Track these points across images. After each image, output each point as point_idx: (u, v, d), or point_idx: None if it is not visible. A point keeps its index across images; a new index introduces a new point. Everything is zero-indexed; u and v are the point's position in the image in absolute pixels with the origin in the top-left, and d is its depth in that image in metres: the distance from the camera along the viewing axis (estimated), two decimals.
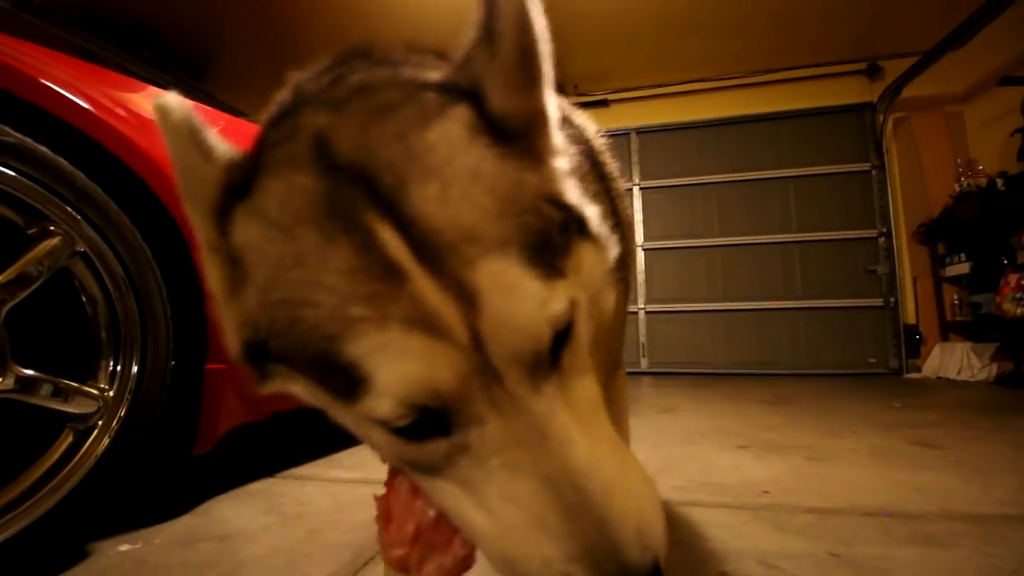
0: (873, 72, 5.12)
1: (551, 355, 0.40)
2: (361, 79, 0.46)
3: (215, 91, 5.39)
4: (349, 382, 0.38)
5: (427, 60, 0.51)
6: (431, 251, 0.36)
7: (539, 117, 0.46)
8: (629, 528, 0.37)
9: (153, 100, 0.44)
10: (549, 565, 0.37)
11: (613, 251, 0.49)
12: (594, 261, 0.46)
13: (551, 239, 0.41)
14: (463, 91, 0.44)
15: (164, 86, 1.49)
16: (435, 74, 0.46)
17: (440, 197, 0.38)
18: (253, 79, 5.43)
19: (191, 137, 0.44)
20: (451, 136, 0.41)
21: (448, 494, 0.42)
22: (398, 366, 0.37)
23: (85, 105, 1.14)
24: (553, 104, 0.47)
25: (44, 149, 1.03)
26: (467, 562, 0.47)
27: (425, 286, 0.36)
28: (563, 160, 0.47)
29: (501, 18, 0.42)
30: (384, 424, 0.39)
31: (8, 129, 0.98)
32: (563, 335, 0.40)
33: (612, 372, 0.80)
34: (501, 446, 0.39)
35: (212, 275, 0.47)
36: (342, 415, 0.43)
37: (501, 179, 0.40)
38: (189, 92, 1.48)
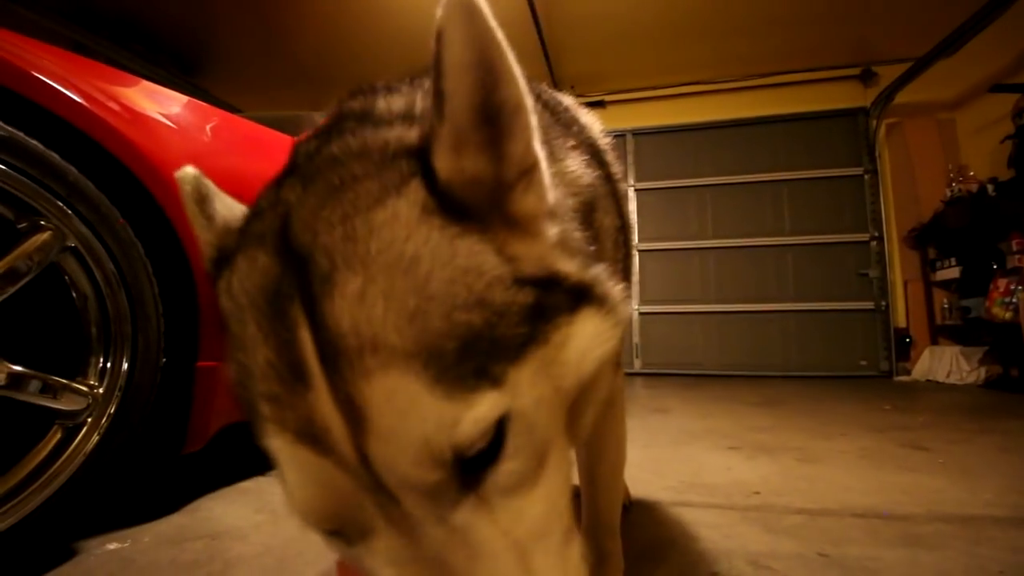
0: (867, 77, 5.17)
1: (465, 476, 0.35)
2: (337, 148, 0.43)
3: (208, 86, 5.35)
4: None
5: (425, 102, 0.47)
6: (333, 358, 0.34)
7: (511, 180, 0.40)
8: None
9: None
10: None
11: (625, 311, 0.44)
12: (593, 334, 0.41)
13: (494, 340, 0.35)
14: (423, 160, 0.39)
15: (157, 80, 1.48)
16: (415, 134, 0.42)
17: (358, 295, 0.34)
18: (246, 74, 5.40)
19: (199, 204, 0.47)
20: (399, 217, 0.37)
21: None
22: (291, 478, 0.36)
23: (77, 99, 1.13)
24: (538, 156, 0.41)
25: (35, 143, 1.02)
26: None
27: (320, 397, 0.34)
28: (555, 222, 0.42)
29: (447, 72, 0.36)
30: None
31: None
32: (489, 453, 0.35)
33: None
34: (399, 561, 0.36)
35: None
36: None
37: (442, 270, 0.36)
38: (181, 87, 1.47)
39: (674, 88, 5.52)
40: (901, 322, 4.99)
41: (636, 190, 5.62)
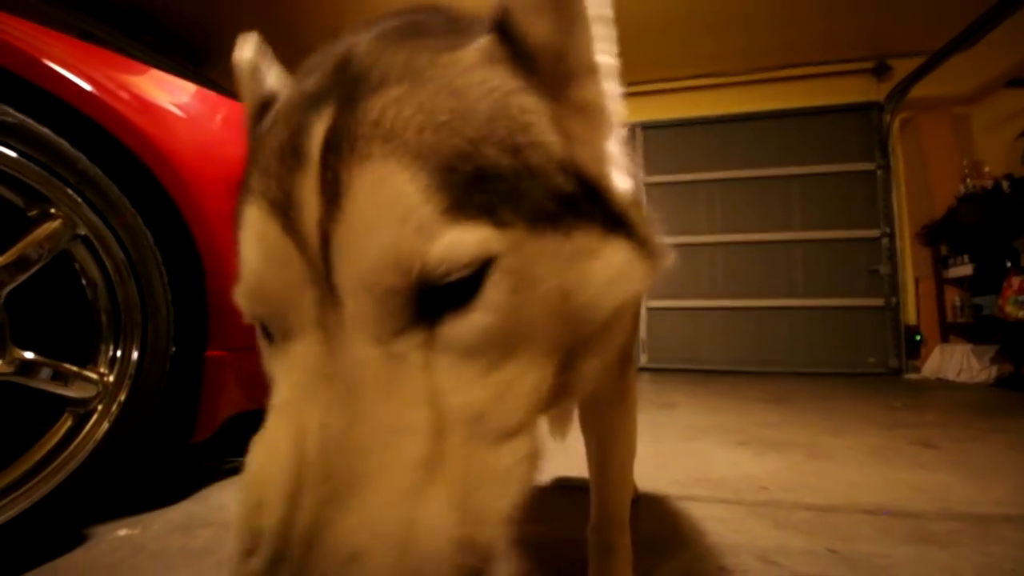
0: (881, 71, 5.09)
1: (424, 307, 0.31)
2: (417, 18, 0.45)
3: (216, 77, 5.35)
4: None
5: None
6: (338, 141, 0.32)
7: (578, 64, 0.41)
8: (331, 559, 0.24)
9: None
10: (238, 527, 0.29)
11: (663, 262, 0.43)
12: (621, 268, 0.39)
13: (518, 190, 0.33)
14: (495, 21, 0.40)
15: (166, 69, 1.48)
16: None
17: (396, 97, 0.33)
18: None
19: (251, 73, 0.50)
20: (464, 60, 0.37)
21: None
22: (248, 253, 0.34)
23: (87, 87, 1.13)
24: (597, 63, 0.42)
25: (45, 130, 1.02)
26: None
27: (308, 173, 0.32)
28: (611, 138, 0.42)
29: None
30: None
31: (9, 109, 0.97)
32: (459, 294, 0.31)
33: (621, 369, 0.78)
34: (306, 370, 0.31)
35: None
36: None
37: (489, 107, 0.35)
38: (190, 77, 1.47)
39: (684, 81, 5.46)
40: (911, 319, 4.94)
41: (644, 184, 5.57)
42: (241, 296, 0.36)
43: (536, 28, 0.40)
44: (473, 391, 0.31)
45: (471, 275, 0.31)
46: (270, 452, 0.29)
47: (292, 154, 0.33)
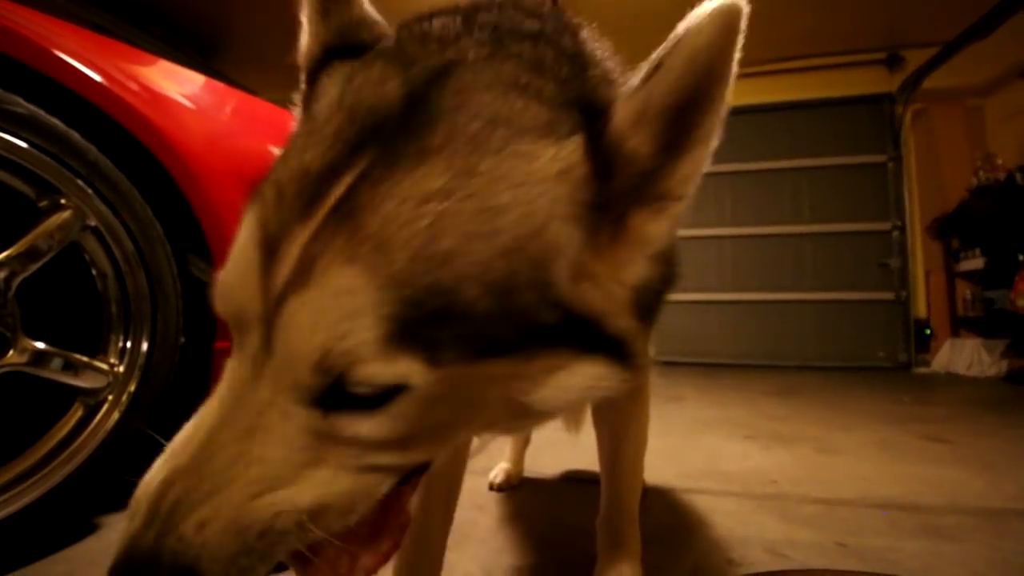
0: (893, 62, 5.02)
1: (330, 394, 0.34)
2: (528, 42, 0.42)
3: (225, 69, 5.36)
4: None
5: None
6: (344, 217, 0.33)
7: (662, 192, 0.38)
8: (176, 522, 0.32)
9: None
10: (134, 497, 0.36)
11: (642, 376, 0.44)
12: (587, 379, 0.38)
13: (475, 332, 0.33)
14: (593, 119, 0.37)
15: (177, 61, 1.47)
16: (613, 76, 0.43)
17: (425, 195, 0.33)
18: (263, 57, 5.38)
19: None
20: (531, 158, 0.35)
21: None
22: (232, 255, 0.37)
23: (97, 78, 1.13)
24: (689, 195, 0.39)
25: (56, 121, 1.02)
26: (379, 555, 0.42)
27: (306, 228, 0.34)
28: (651, 263, 0.40)
29: (679, 51, 0.35)
30: None
31: (19, 99, 0.97)
32: (368, 398, 0.34)
33: None
34: (228, 389, 0.36)
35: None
36: None
37: (512, 238, 0.33)
38: (199, 69, 1.47)
39: None
40: (921, 313, 4.90)
41: None
42: (215, 286, 0.38)
43: (637, 144, 0.37)
44: (332, 487, 0.35)
45: (384, 393, 0.34)
46: (174, 445, 0.36)
47: (306, 195, 0.35)
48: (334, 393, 0.34)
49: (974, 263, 4.47)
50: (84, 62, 1.11)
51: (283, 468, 0.34)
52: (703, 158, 0.38)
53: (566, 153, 0.36)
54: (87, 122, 1.10)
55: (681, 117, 0.36)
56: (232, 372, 0.36)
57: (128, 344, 1.17)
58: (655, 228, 0.39)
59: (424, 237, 0.32)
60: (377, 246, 0.32)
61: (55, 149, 1.02)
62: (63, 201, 1.05)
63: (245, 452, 0.34)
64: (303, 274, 0.33)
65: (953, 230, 4.73)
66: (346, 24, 0.47)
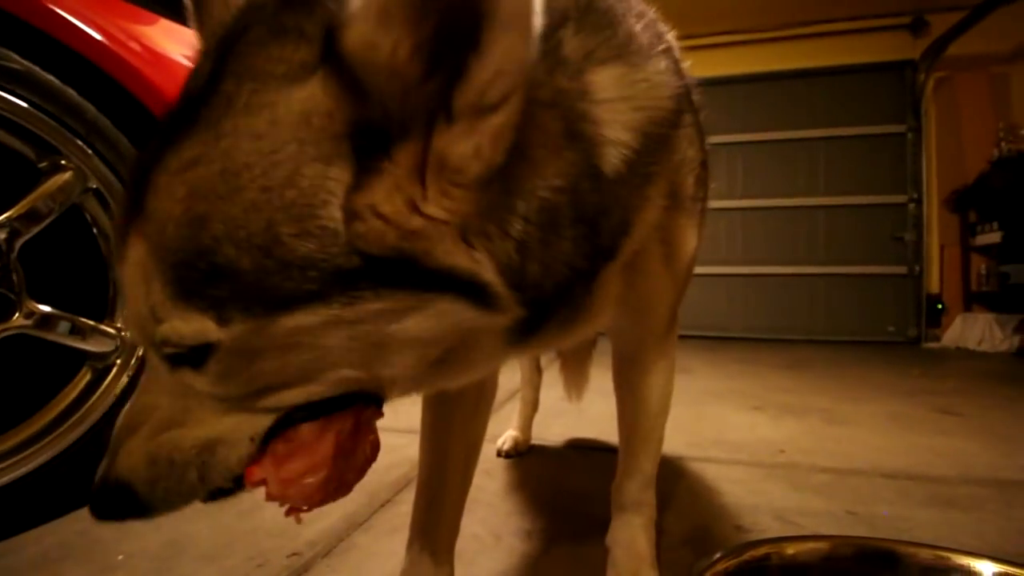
0: (918, 27, 4.82)
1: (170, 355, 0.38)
2: None
3: None
4: None
5: None
6: (141, 193, 0.36)
7: (457, 108, 0.31)
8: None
9: None
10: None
11: (513, 314, 0.40)
12: (435, 324, 0.38)
13: (258, 287, 0.34)
14: (329, 39, 0.32)
15: (177, 20, 1.42)
16: None
17: (182, 167, 0.35)
18: None
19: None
20: (272, 107, 0.34)
21: None
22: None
23: (97, 36, 1.09)
24: (516, 103, 0.32)
25: (51, 78, 0.99)
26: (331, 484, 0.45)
27: (127, 206, 0.38)
28: (485, 188, 0.35)
29: None
30: None
31: (14, 55, 0.94)
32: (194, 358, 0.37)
33: (667, 329, 0.72)
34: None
35: None
36: None
37: (257, 194, 0.33)
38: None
39: (704, 38, 5.24)
40: (934, 288, 4.83)
41: None
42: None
43: (391, 49, 0.30)
44: (200, 422, 0.41)
45: (197, 351, 0.37)
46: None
47: (137, 173, 0.37)
48: (169, 353, 0.38)
49: (991, 237, 4.37)
50: (84, 20, 1.07)
51: (172, 412, 0.41)
52: (517, 46, 0.29)
53: (309, 90, 0.33)
54: (87, 82, 1.07)
55: None
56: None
57: None
58: (462, 148, 0.33)
59: (183, 206, 0.34)
60: (152, 219, 0.35)
61: (51, 107, 1.00)
62: (63, 162, 1.03)
63: (149, 401, 0.42)
64: (119, 249, 0.38)
65: (971, 203, 4.62)
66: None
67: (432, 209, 0.35)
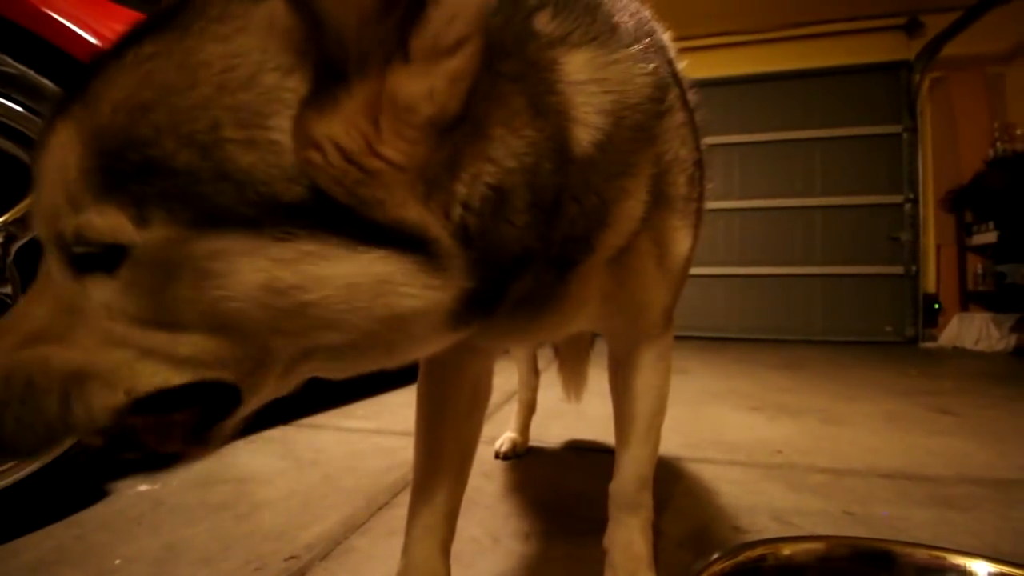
0: (913, 28, 4.84)
1: (79, 257, 0.35)
2: None
3: None
4: None
5: None
6: (87, 85, 0.35)
7: (416, 47, 0.32)
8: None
9: None
10: None
11: (455, 283, 0.38)
12: (380, 276, 0.36)
13: (191, 190, 0.33)
14: None
15: None
16: None
17: (137, 60, 0.34)
18: None
19: None
20: (235, 18, 0.34)
21: None
22: None
23: (92, 39, 1.09)
24: (475, 48, 0.33)
25: (46, 81, 0.99)
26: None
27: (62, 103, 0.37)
28: (438, 138, 0.35)
29: None
30: None
31: (8, 59, 0.94)
32: (110, 258, 0.35)
33: (663, 328, 0.71)
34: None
35: None
36: None
37: (211, 91, 0.33)
38: None
39: (700, 40, 5.25)
40: (931, 288, 4.84)
41: None
42: None
43: None
44: (87, 339, 0.37)
45: (108, 252, 0.34)
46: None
47: (89, 66, 0.37)
48: (80, 255, 0.35)
49: (987, 237, 4.39)
50: (77, 23, 1.07)
51: (52, 324, 0.37)
52: None
53: (273, 6, 0.34)
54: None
55: None
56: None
57: None
58: (416, 88, 0.33)
59: (127, 92, 0.33)
60: (87, 103, 0.34)
61: (46, 111, 1.00)
62: None
63: (30, 310, 0.38)
64: (43, 135, 0.36)
65: (967, 203, 4.64)
66: None
67: (387, 150, 0.34)
